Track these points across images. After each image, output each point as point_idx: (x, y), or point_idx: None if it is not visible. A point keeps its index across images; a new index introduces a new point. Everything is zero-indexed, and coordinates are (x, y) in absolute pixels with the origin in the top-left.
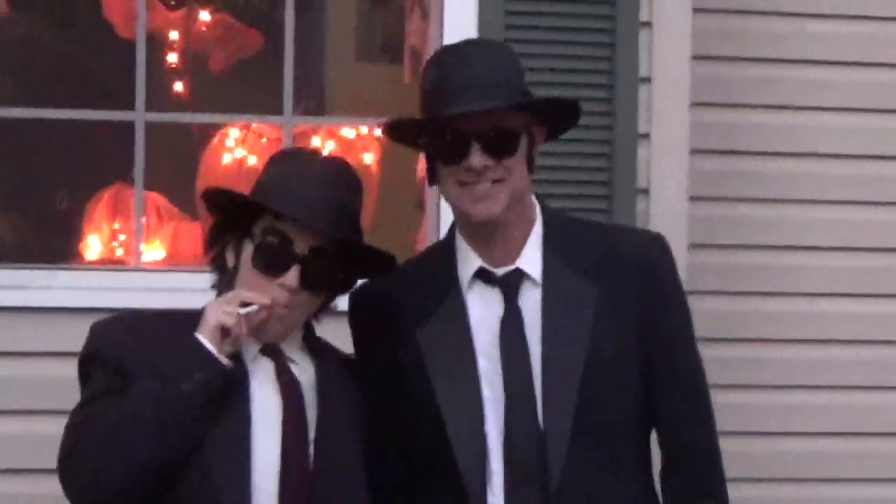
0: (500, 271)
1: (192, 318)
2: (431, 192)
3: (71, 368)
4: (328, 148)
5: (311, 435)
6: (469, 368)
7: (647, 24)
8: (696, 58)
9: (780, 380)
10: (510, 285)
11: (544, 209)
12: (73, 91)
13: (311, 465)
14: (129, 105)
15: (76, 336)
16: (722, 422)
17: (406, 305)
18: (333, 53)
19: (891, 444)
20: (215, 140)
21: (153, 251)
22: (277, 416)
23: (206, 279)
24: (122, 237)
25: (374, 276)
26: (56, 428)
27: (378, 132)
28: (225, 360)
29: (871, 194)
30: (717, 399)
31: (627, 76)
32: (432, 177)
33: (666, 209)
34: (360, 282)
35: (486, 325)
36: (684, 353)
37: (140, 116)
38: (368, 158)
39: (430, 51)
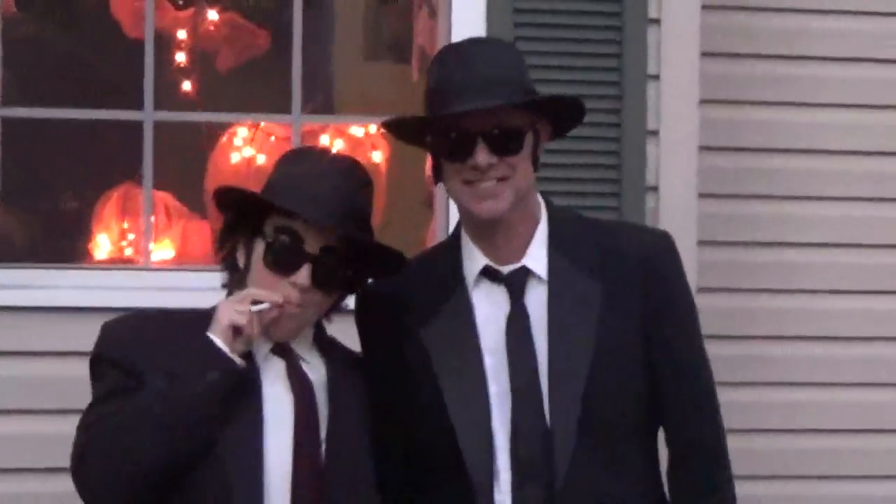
0: (506, 269)
1: (203, 317)
2: (440, 191)
3: (81, 368)
4: (337, 146)
5: (323, 433)
6: (475, 366)
7: (656, 22)
8: (704, 55)
9: (789, 377)
10: (516, 283)
11: (549, 207)
12: (82, 91)
13: (322, 464)
14: (138, 104)
15: (86, 335)
16: (731, 419)
17: (412, 304)
18: (341, 52)
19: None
20: (224, 139)
21: (162, 250)
22: (289, 414)
23: (215, 278)
24: (130, 236)
25: (385, 276)
26: (66, 427)
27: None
28: (237, 360)
29: (880, 191)
30: (726, 396)
31: (636, 73)
32: (438, 175)
33: (675, 206)
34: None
35: (492, 323)
36: (690, 351)
37: (148, 116)
38: (377, 157)
39: (437, 49)
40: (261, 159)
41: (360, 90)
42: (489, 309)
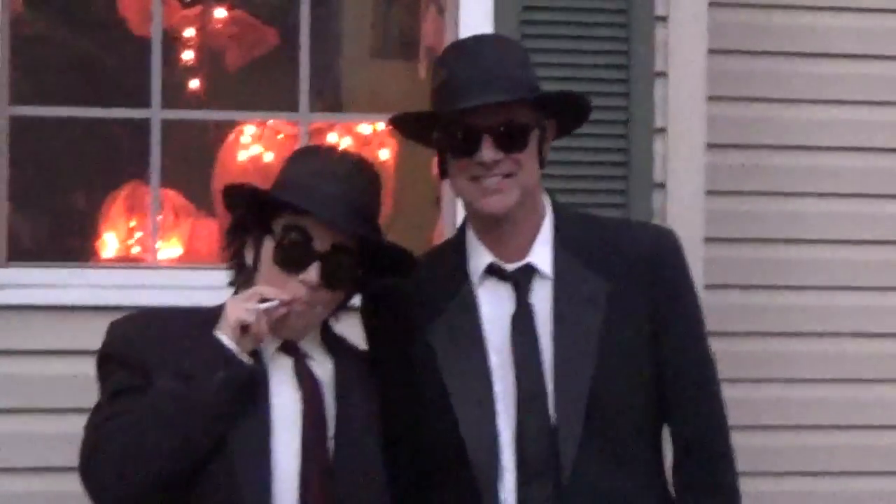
0: (511, 267)
1: (210, 315)
2: (448, 189)
3: (89, 366)
4: (345, 144)
5: (331, 432)
6: (480, 364)
7: (663, 19)
8: (711, 52)
9: (795, 373)
10: (521, 281)
11: (554, 204)
12: (89, 89)
13: (330, 462)
14: (145, 103)
15: (94, 334)
16: (736, 416)
17: (417, 301)
18: (349, 50)
19: None
20: (231, 137)
21: (169, 249)
22: (297, 413)
23: (223, 276)
24: (138, 235)
25: (395, 276)
26: (74, 426)
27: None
28: (246, 358)
29: (888, 187)
30: (731, 393)
31: (643, 71)
32: (444, 171)
33: (682, 203)
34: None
35: (498, 321)
36: (695, 348)
37: (156, 114)
38: (385, 155)
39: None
40: (268, 157)
41: (368, 88)
42: (494, 307)
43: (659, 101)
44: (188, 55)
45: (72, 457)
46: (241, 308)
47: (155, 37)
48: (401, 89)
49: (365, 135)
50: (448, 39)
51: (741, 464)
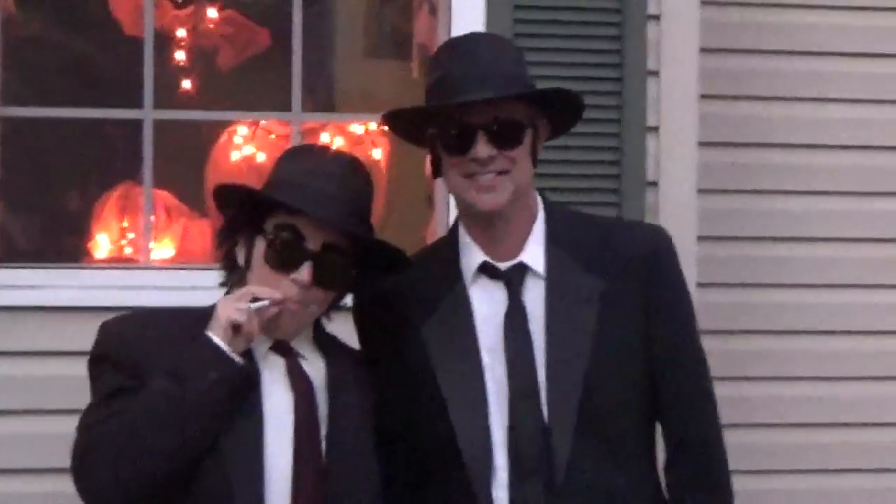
0: (504, 265)
1: (202, 315)
2: (440, 188)
3: (82, 367)
4: (337, 144)
5: (323, 431)
6: (473, 363)
7: (656, 17)
8: (704, 51)
9: (788, 371)
10: (514, 279)
11: (546, 203)
12: (82, 89)
13: (323, 462)
14: (138, 103)
15: (87, 335)
16: (729, 414)
17: (410, 300)
18: (342, 49)
19: None
20: (224, 137)
21: (162, 249)
22: (289, 413)
23: (216, 276)
24: (131, 235)
25: (387, 275)
26: (69, 427)
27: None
28: (237, 358)
29: (879, 185)
30: (725, 391)
31: (636, 69)
32: (437, 169)
33: (675, 202)
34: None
35: (490, 320)
36: (687, 346)
37: (148, 114)
38: (377, 154)
39: (438, 47)
40: (261, 157)
41: (361, 88)
42: (487, 305)
43: (651, 99)
44: (180, 55)
45: (66, 458)
46: (233, 308)
47: (147, 37)
48: (393, 89)
49: (357, 134)
50: (440, 39)
51: (734, 462)
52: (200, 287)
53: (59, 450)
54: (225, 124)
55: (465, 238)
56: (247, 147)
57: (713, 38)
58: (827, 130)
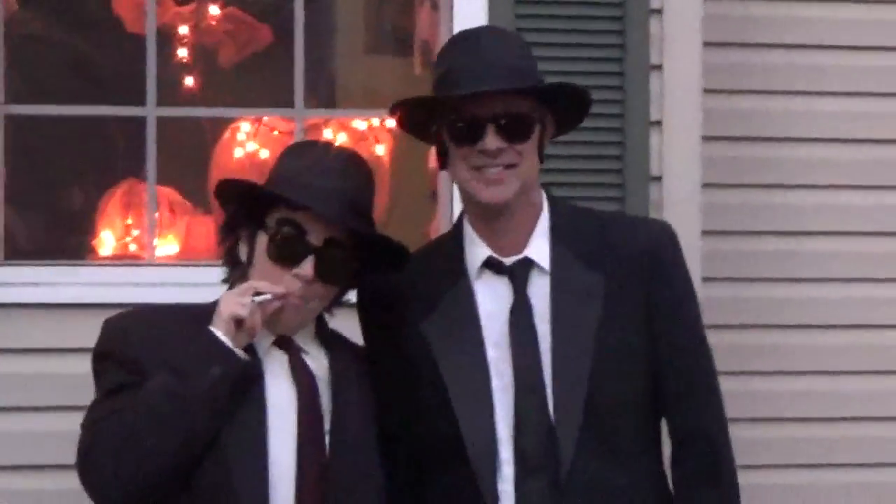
0: (509, 260)
1: (205, 311)
2: (444, 183)
3: (86, 364)
4: (340, 140)
5: (326, 426)
6: (477, 358)
7: (658, 12)
8: (707, 45)
9: (793, 365)
10: (519, 274)
11: (551, 198)
12: (85, 87)
13: (326, 456)
14: (141, 100)
15: (91, 332)
16: (734, 409)
17: (414, 295)
18: (344, 46)
19: None
20: (227, 134)
21: (166, 246)
22: (292, 408)
23: (220, 273)
24: (135, 232)
25: (389, 270)
26: (73, 424)
27: (390, 123)
28: (240, 353)
29: (884, 179)
30: (729, 386)
31: (639, 64)
32: (444, 161)
33: (678, 196)
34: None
35: (495, 315)
36: (692, 341)
37: (151, 111)
38: (380, 150)
39: (440, 42)
40: (264, 154)
41: (363, 84)
42: (492, 300)
43: (654, 94)
44: (183, 52)
45: (69, 455)
46: (235, 302)
47: (150, 34)
48: (396, 85)
49: (360, 130)
50: (442, 34)
51: (740, 457)
52: (204, 284)
53: (64, 447)
54: (228, 121)
55: (469, 233)
56: (250, 144)
57: (716, 32)
58: (831, 124)
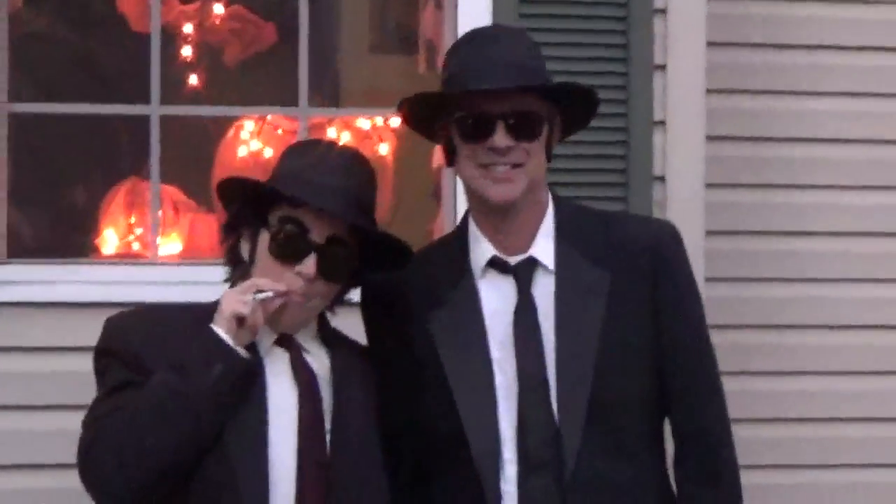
0: (514, 260)
1: (207, 310)
2: (447, 183)
3: (88, 363)
4: (343, 139)
5: (328, 425)
6: (481, 356)
7: (662, 11)
8: (710, 44)
9: (796, 365)
10: (523, 274)
11: (555, 198)
12: (88, 85)
13: (327, 456)
14: (144, 99)
15: (94, 331)
16: (737, 409)
17: (418, 294)
18: (348, 45)
19: None
20: (230, 133)
21: (169, 245)
22: (293, 406)
23: (223, 272)
24: (138, 231)
25: (391, 269)
26: (75, 423)
27: (394, 122)
28: (241, 351)
29: (888, 179)
30: (733, 386)
31: (642, 64)
32: (451, 159)
33: (682, 196)
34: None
35: (500, 314)
36: (695, 341)
37: (155, 110)
38: (384, 149)
39: (444, 41)
40: (268, 153)
41: (367, 83)
42: (496, 300)
43: (658, 93)
44: (187, 51)
45: (71, 453)
46: (237, 300)
47: (154, 33)
48: (400, 84)
49: (364, 129)
50: (446, 34)
51: (741, 457)
52: (208, 282)
53: (65, 446)
54: (232, 120)
55: (474, 232)
56: (254, 142)
57: (720, 32)
58: (834, 124)
